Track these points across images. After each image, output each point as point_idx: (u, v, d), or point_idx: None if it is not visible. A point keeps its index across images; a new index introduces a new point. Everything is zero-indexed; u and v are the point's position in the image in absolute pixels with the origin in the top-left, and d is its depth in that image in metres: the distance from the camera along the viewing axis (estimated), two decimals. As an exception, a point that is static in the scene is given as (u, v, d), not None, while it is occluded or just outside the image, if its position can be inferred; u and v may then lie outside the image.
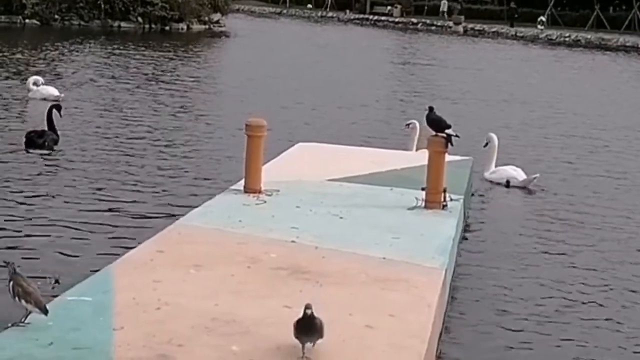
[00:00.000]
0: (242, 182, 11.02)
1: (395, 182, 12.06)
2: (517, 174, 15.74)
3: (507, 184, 15.62)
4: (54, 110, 17.09)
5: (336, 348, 6.12)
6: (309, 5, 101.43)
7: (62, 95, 22.38)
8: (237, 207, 10.18)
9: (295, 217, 9.84)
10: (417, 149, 15.67)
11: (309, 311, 5.86)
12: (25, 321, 6.18)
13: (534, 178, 15.60)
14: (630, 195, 15.78)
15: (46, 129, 16.70)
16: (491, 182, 15.67)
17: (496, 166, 16.01)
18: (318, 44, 52.46)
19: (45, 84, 23.13)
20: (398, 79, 35.66)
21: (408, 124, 16.35)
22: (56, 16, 52.71)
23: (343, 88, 30.07)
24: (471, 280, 10.19)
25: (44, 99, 21.94)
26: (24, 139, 16.34)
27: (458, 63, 43.48)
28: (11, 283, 6.14)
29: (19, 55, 33.35)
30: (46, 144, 16.22)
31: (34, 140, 16.23)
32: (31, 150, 15.91)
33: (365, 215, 10.26)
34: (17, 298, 6.11)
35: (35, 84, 22.85)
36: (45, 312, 6.12)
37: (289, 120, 21.27)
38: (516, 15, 78.80)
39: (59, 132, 16.79)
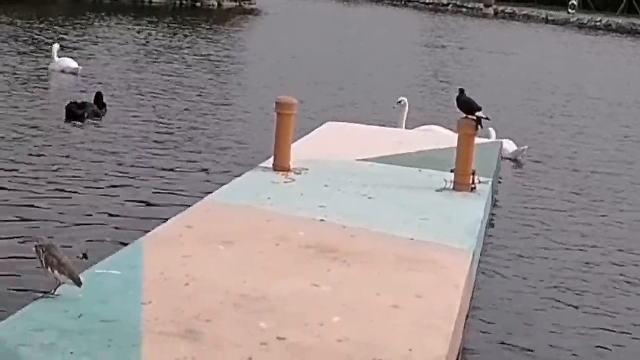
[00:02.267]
0: (272, 160, 11.02)
1: (424, 163, 12.04)
2: (508, 146, 16.11)
3: None
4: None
5: (363, 328, 6.12)
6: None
7: (81, 68, 22.58)
8: (266, 184, 10.19)
9: (323, 196, 9.84)
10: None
11: None
12: (55, 293, 6.21)
13: (523, 150, 16.03)
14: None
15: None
16: None
17: None
18: (348, 23, 52.36)
19: (65, 56, 23.32)
20: (426, 61, 35.57)
21: (399, 102, 16.21)
22: (88, -9, 52.81)
23: (372, 69, 30.04)
24: (498, 261, 10.18)
25: (63, 71, 22.29)
26: (65, 111, 16.44)
27: (488, 46, 43.31)
28: (45, 254, 6.14)
29: (47, 29, 33.48)
30: (86, 115, 16.32)
31: (74, 112, 16.36)
32: (72, 122, 16.07)
33: (393, 195, 10.25)
34: (50, 269, 6.10)
35: (58, 51, 23.10)
36: (79, 283, 6.13)
37: (318, 99, 21.25)
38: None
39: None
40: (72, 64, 22.67)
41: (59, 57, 22.88)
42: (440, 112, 20.82)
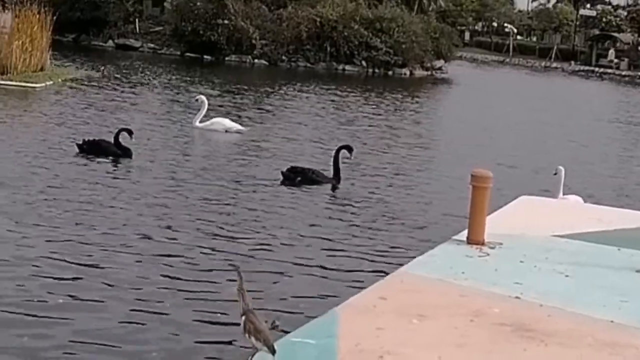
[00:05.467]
0: (465, 232, 10.90)
1: (623, 242, 11.64)
2: None
3: None
4: (343, 150, 17.85)
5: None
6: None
7: (246, 129, 23.74)
8: (460, 258, 10.07)
9: (519, 272, 9.64)
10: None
11: None
12: (253, 359, 6.28)
13: None
14: None
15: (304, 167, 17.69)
16: None
17: None
18: (540, 94, 51.77)
19: (236, 118, 25.09)
20: (622, 137, 34.62)
21: (555, 172, 16.17)
22: (283, 57, 54.26)
23: (565, 142, 29.50)
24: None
25: (227, 131, 23.48)
26: (281, 175, 17.02)
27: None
28: (243, 318, 6.26)
29: (238, 92, 34.70)
30: (297, 181, 16.79)
31: (289, 177, 16.94)
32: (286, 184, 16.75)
33: (591, 274, 9.95)
34: (247, 334, 6.21)
35: (200, 101, 24.31)
36: (273, 351, 6.19)
37: (509, 171, 20.98)
38: None
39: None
40: (235, 125, 23.88)
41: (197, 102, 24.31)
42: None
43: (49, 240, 11.70)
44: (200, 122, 23.82)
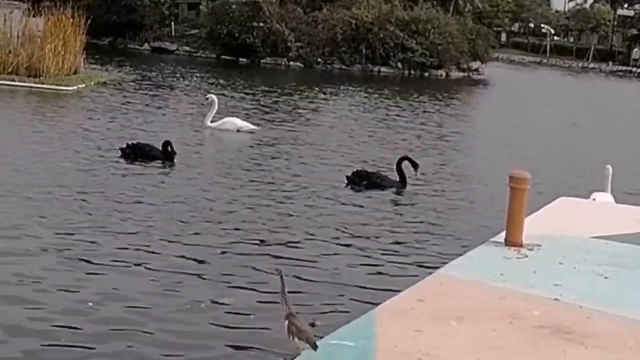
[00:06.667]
0: (503, 234, 10.82)
1: (663, 243, 11.52)
2: None
3: None
4: (406, 161, 17.96)
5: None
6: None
7: (257, 128, 23.99)
8: (497, 259, 10.00)
9: (557, 274, 9.56)
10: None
11: None
12: (297, 360, 6.36)
13: None
14: None
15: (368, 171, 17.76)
16: None
17: None
18: (578, 96, 51.44)
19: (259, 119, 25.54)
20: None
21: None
22: (319, 59, 54.29)
23: (604, 143, 29.27)
24: None
25: (238, 130, 23.60)
26: (346, 179, 17.21)
27: None
28: (286, 323, 6.33)
29: (269, 93, 34.84)
30: (363, 184, 16.97)
31: (354, 180, 17.11)
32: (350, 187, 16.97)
33: (631, 276, 9.84)
34: (291, 337, 6.31)
35: (210, 100, 24.41)
36: (315, 347, 6.29)
37: (547, 173, 20.82)
38: None
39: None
40: (246, 124, 24.01)
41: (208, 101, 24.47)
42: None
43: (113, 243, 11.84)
44: (212, 121, 23.88)
